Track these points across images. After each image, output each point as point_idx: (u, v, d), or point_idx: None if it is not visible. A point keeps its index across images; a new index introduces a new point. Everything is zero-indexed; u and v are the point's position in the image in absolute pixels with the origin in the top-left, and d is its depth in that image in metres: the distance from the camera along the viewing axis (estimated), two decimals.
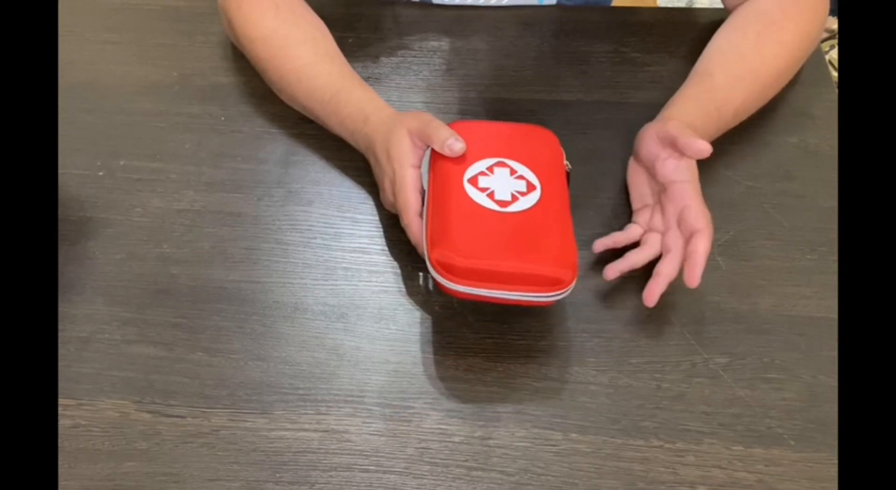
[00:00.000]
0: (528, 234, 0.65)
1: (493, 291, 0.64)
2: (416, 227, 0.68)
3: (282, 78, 0.81)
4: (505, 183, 0.67)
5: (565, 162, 0.71)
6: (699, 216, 0.67)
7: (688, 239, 0.67)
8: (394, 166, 0.70)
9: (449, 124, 0.71)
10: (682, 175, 0.69)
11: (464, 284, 0.64)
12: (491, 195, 0.67)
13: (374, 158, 0.74)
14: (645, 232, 0.71)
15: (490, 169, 0.68)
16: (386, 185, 0.72)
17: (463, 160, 0.69)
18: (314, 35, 0.82)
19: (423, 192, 0.69)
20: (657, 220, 0.71)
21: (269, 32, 0.82)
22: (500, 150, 0.70)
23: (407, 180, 0.69)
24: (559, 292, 0.64)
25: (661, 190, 0.71)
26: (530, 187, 0.67)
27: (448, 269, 0.64)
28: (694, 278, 0.66)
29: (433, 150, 0.69)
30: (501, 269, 0.63)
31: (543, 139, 0.72)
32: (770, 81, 0.80)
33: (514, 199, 0.66)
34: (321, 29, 0.83)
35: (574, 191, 0.71)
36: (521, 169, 0.68)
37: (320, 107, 0.78)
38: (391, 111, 0.75)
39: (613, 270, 0.69)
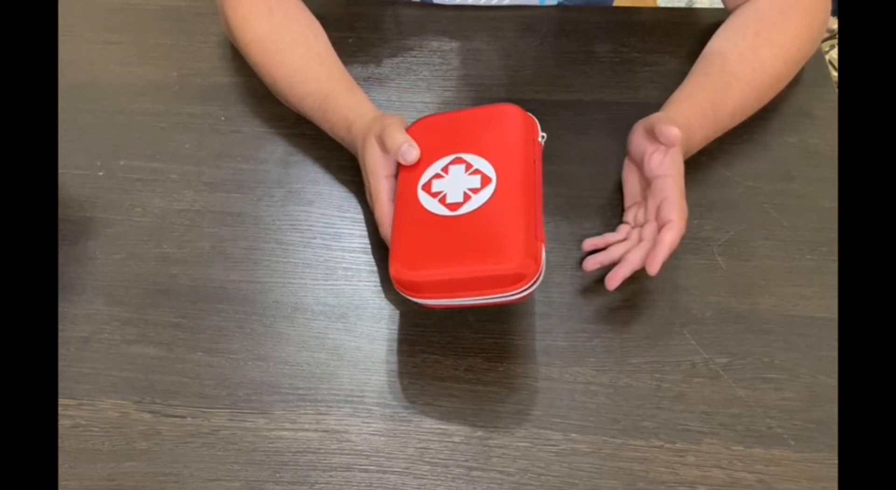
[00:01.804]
0: (482, 234, 0.63)
1: (460, 299, 0.63)
2: (388, 241, 0.68)
3: (275, 83, 0.81)
4: (458, 182, 0.66)
5: (540, 135, 0.69)
6: (673, 209, 0.68)
7: (659, 229, 0.68)
8: (368, 177, 0.70)
9: (412, 124, 0.70)
10: (665, 170, 0.69)
11: (427, 298, 0.63)
12: (443, 200, 0.65)
13: (360, 165, 0.74)
14: (630, 228, 0.71)
15: (445, 169, 0.67)
16: (369, 196, 0.72)
17: (419, 165, 0.68)
18: (306, 37, 0.82)
19: None
20: (641, 215, 0.71)
21: (262, 36, 0.82)
22: (457, 145, 0.68)
23: (381, 192, 0.69)
24: (525, 286, 0.61)
25: (646, 185, 0.71)
26: (485, 181, 0.65)
27: (406, 286, 0.63)
28: (653, 266, 0.66)
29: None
30: (457, 276, 0.62)
31: (506, 119, 0.69)
32: (769, 82, 0.80)
33: (467, 198, 0.65)
34: (314, 29, 0.83)
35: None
36: (478, 162, 0.66)
37: (311, 113, 0.79)
38: (372, 115, 0.74)
39: (593, 262, 0.69)
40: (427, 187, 0.66)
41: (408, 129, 0.70)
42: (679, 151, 0.70)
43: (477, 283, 0.62)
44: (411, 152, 0.68)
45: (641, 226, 0.70)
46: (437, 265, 0.62)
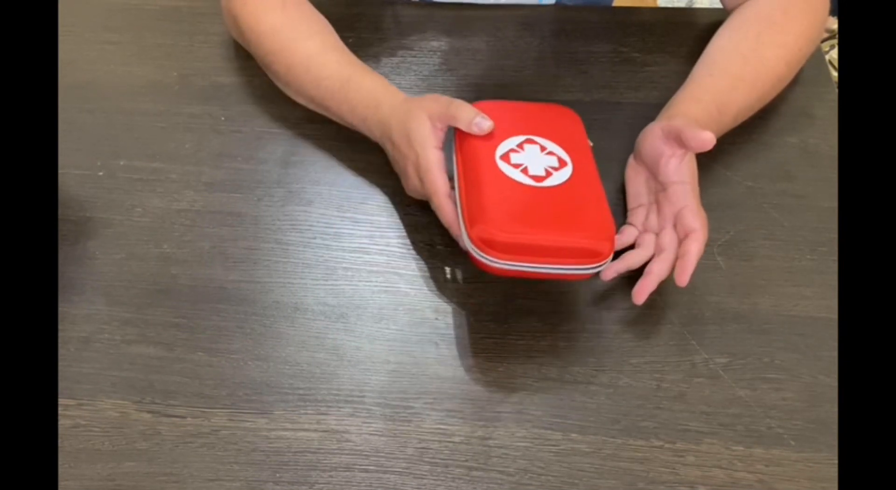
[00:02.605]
0: (566, 207, 0.65)
1: (534, 265, 0.64)
2: (448, 209, 0.68)
3: (290, 69, 0.81)
4: (537, 159, 0.67)
5: (588, 140, 0.72)
6: (696, 217, 0.67)
7: (682, 239, 0.68)
8: (416, 150, 0.70)
9: (472, 104, 0.71)
10: (682, 176, 0.69)
11: (505, 259, 0.63)
12: (525, 171, 0.66)
13: (391, 145, 0.73)
14: (641, 233, 0.71)
15: (520, 146, 0.68)
16: (410, 171, 0.71)
17: (491, 138, 0.69)
18: (321, 30, 0.83)
19: (449, 175, 0.69)
20: (653, 220, 0.71)
21: (278, 25, 0.82)
22: (526, 128, 0.70)
23: (432, 163, 0.69)
24: (598, 264, 0.64)
25: (659, 189, 0.71)
26: (562, 163, 0.67)
27: (490, 245, 0.63)
28: (683, 278, 0.66)
29: (458, 132, 0.69)
30: (542, 242, 0.63)
31: (566, 117, 0.73)
32: (771, 82, 0.80)
33: (548, 174, 0.66)
34: (327, 25, 0.83)
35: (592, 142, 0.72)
36: (551, 145, 0.69)
37: (330, 95, 0.78)
38: (404, 96, 0.75)
39: (611, 271, 0.69)
40: (506, 158, 0.67)
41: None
42: (694, 157, 0.70)
43: (558, 251, 0.63)
44: (485, 123, 0.68)
45: (653, 231, 0.70)
46: (525, 229, 0.63)
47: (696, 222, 0.67)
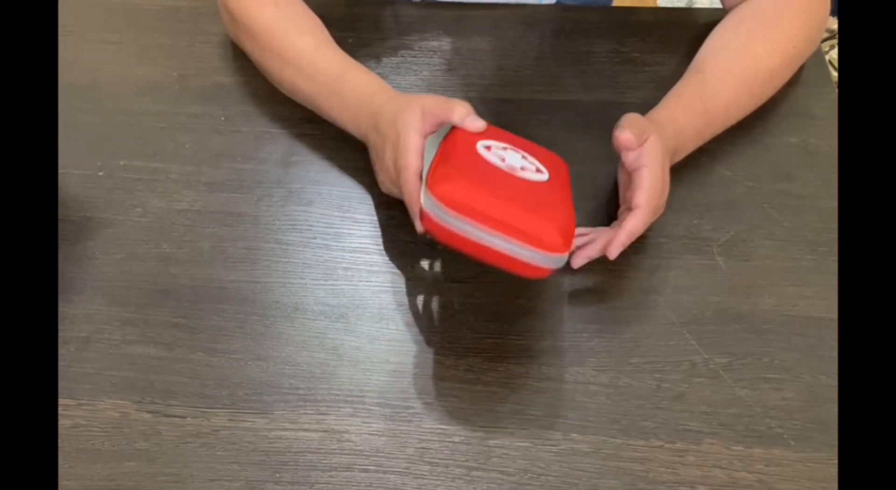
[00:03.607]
0: (534, 197, 0.64)
1: (486, 233, 0.61)
2: (412, 185, 0.66)
3: (283, 67, 0.81)
4: (516, 159, 0.67)
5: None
6: (640, 196, 0.68)
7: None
8: (398, 130, 0.68)
9: None
10: (641, 161, 0.69)
11: (458, 216, 0.61)
12: (502, 160, 0.66)
13: (374, 133, 0.72)
14: None
15: (504, 149, 0.68)
16: (387, 154, 0.69)
17: (478, 134, 0.68)
18: (313, 27, 0.83)
19: (424, 164, 0.67)
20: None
21: (271, 23, 0.82)
22: (512, 142, 0.69)
23: (410, 143, 0.67)
24: (549, 254, 0.61)
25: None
26: (539, 171, 0.67)
27: (447, 194, 0.61)
28: (611, 250, 0.68)
29: (449, 133, 0.69)
30: (499, 212, 0.60)
31: (556, 160, 0.71)
32: (763, 76, 0.80)
33: (524, 170, 0.66)
34: (319, 24, 0.83)
35: (574, 191, 0.71)
36: (530, 158, 0.68)
37: (323, 91, 0.78)
38: (398, 93, 0.74)
39: (580, 258, 0.70)
40: (487, 149, 0.67)
41: None
42: (655, 144, 0.69)
43: (512, 228, 0.60)
44: (478, 121, 0.68)
45: None
46: (488, 194, 0.61)
47: (639, 200, 0.68)
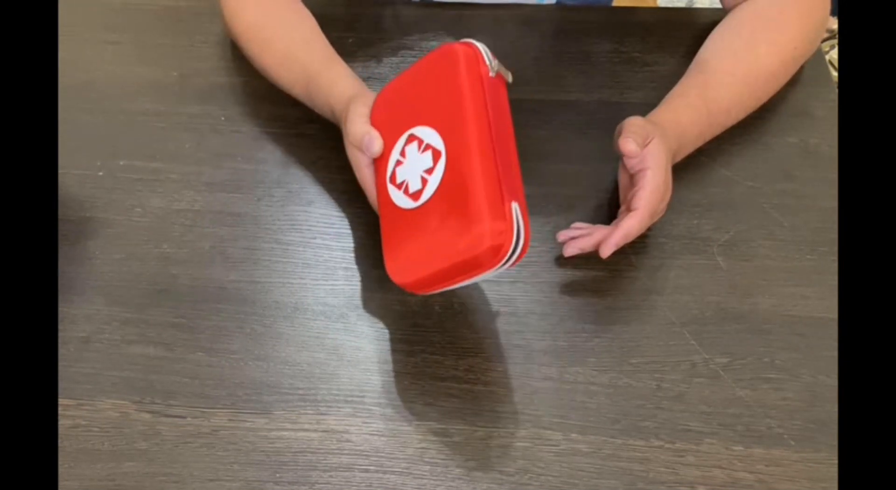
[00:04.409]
0: (446, 220, 0.59)
1: (455, 284, 0.62)
2: (367, 181, 0.68)
3: (267, 70, 0.82)
4: (415, 165, 0.62)
5: (495, 70, 0.64)
6: (640, 198, 0.68)
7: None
8: (350, 153, 0.70)
9: (375, 100, 0.69)
10: (645, 163, 0.69)
11: (428, 291, 0.64)
12: (406, 190, 0.63)
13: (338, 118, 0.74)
14: None
15: (402, 153, 0.64)
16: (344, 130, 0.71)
17: (384, 153, 0.66)
18: (291, 23, 0.82)
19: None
20: None
21: (250, 25, 0.83)
22: (409, 118, 0.64)
23: (361, 167, 0.69)
24: (508, 254, 0.57)
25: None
26: (436, 156, 0.61)
27: (406, 287, 0.64)
28: (604, 248, 0.68)
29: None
30: (442, 268, 0.60)
31: (446, 66, 0.63)
32: (765, 79, 0.80)
33: (424, 182, 0.61)
34: (299, 13, 0.83)
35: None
36: (427, 134, 0.62)
37: (304, 95, 0.79)
38: (349, 94, 0.72)
39: (572, 247, 0.71)
40: (393, 179, 0.65)
41: (372, 111, 0.69)
42: (659, 146, 0.70)
43: (462, 267, 0.59)
44: (373, 144, 0.66)
45: None
46: (421, 265, 0.62)
47: (638, 203, 0.68)
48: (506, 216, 0.57)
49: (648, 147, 0.69)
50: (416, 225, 0.62)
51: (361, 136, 0.67)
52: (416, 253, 0.62)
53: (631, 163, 0.70)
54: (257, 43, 0.82)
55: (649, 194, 0.68)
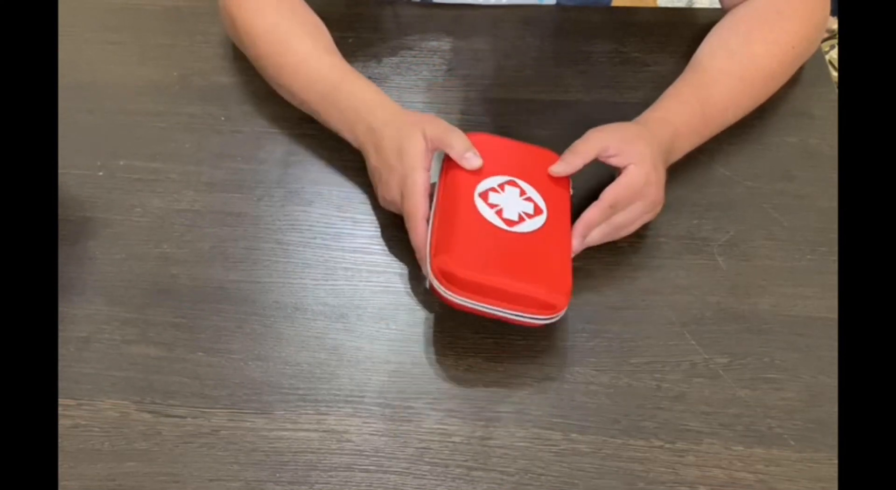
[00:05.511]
0: (530, 255, 0.66)
1: (488, 306, 0.64)
2: (420, 231, 0.68)
3: (280, 71, 0.81)
4: (514, 202, 0.68)
5: (570, 189, 0.72)
6: (608, 190, 0.69)
7: None
8: (405, 169, 0.69)
9: (467, 135, 0.71)
10: (628, 160, 0.70)
11: (461, 295, 0.64)
12: (499, 212, 0.67)
13: (375, 152, 0.72)
14: None
15: (501, 186, 0.69)
16: (393, 184, 0.70)
17: (476, 173, 0.69)
18: (313, 32, 0.82)
19: (430, 195, 0.69)
20: None
21: (271, 27, 0.82)
22: (512, 169, 0.70)
23: (418, 185, 0.68)
24: (550, 317, 0.65)
25: None
26: (537, 211, 0.68)
27: (448, 279, 0.64)
28: (573, 245, 0.69)
29: (447, 158, 0.70)
30: (499, 285, 0.64)
31: (558, 181, 0.71)
32: (762, 78, 0.80)
33: (521, 219, 0.67)
34: (320, 26, 0.83)
35: (574, 191, 0.71)
36: (531, 190, 0.69)
37: (320, 98, 0.78)
38: (398, 107, 0.75)
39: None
40: (485, 197, 0.68)
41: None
42: (643, 145, 0.70)
43: (513, 297, 0.64)
44: (476, 160, 0.69)
45: None
46: (486, 269, 0.64)
47: (607, 194, 0.69)
48: (569, 294, 0.65)
49: (633, 146, 0.70)
50: (500, 241, 0.66)
51: (467, 148, 0.69)
52: (487, 259, 0.65)
53: (612, 161, 0.70)
54: (278, 43, 0.81)
55: (618, 187, 0.69)
